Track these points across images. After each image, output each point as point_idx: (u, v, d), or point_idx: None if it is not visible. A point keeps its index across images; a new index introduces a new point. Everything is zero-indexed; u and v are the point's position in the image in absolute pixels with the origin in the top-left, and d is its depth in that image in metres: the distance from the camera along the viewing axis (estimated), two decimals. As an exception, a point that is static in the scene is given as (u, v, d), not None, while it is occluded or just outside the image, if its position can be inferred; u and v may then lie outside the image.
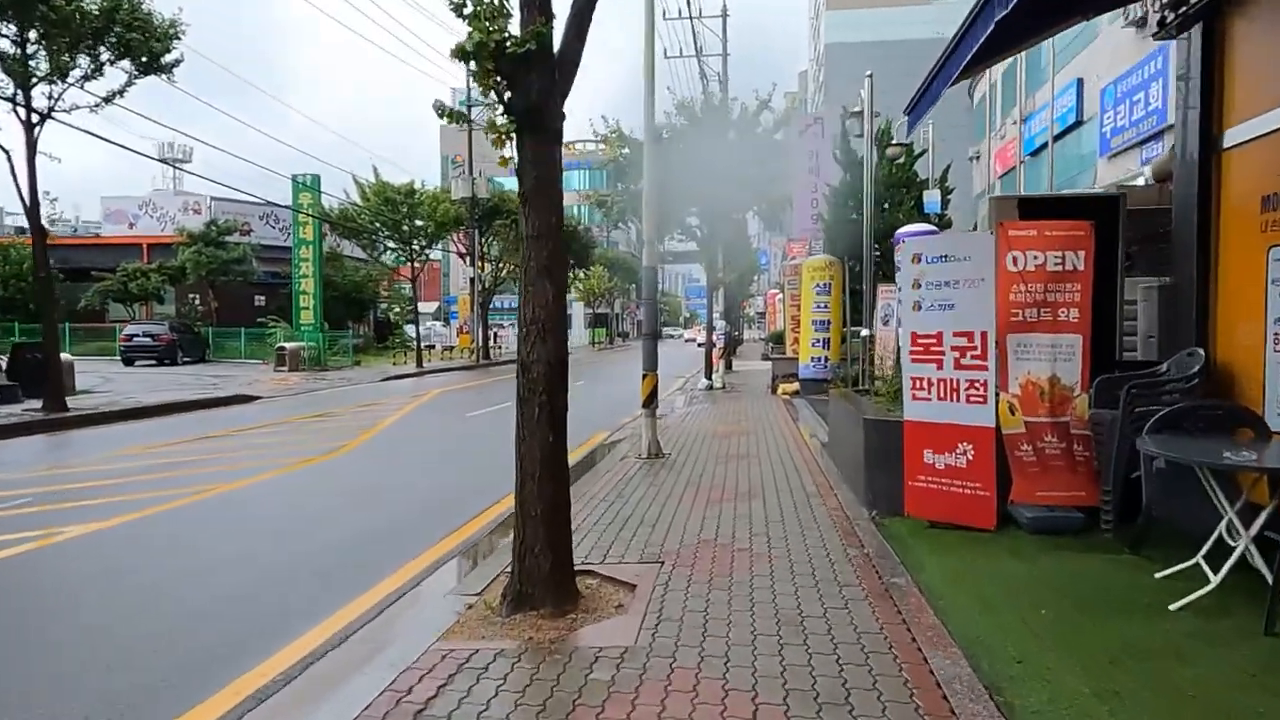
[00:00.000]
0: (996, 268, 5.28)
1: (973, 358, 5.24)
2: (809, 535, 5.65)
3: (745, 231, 29.55)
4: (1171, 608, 3.89)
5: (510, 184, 51.02)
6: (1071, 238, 5.32)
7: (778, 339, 31.07)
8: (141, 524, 6.78)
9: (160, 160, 25.78)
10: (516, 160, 4.37)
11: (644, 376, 9.51)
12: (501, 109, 4.31)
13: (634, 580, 4.82)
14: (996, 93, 33.58)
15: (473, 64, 4.21)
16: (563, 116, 4.43)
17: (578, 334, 71.06)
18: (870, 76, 9.69)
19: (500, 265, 39.67)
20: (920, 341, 5.51)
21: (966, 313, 5.27)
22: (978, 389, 5.23)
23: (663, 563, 5.14)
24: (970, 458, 5.30)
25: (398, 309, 51.30)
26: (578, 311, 71.78)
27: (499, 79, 4.26)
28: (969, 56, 4.67)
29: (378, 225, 29.71)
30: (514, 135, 4.32)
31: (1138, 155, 20.18)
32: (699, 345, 26.95)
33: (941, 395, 5.40)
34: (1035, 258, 5.34)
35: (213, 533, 6.55)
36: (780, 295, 34.31)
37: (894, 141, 16.38)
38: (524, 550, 4.39)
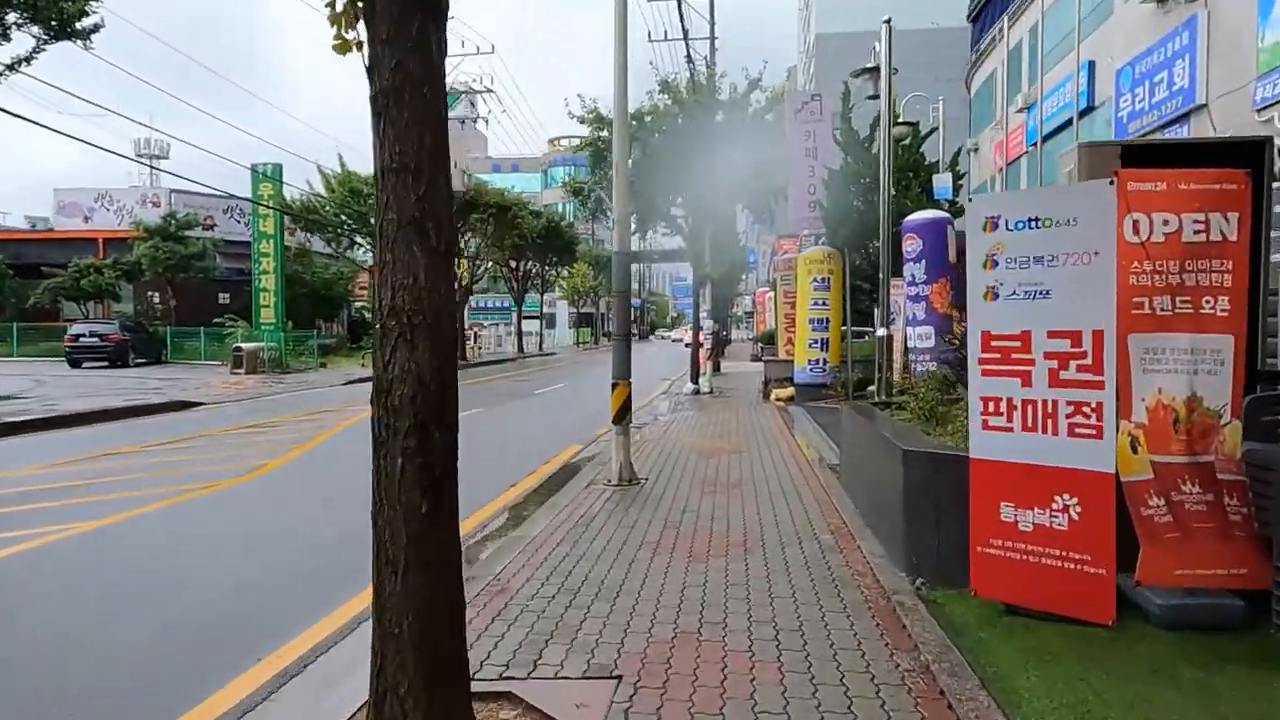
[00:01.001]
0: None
1: (1080, 369, 3.54)
2: (834, 623, 3.94)
3: (734, 225, 27.89)
4: None
5: (496, 180, 49.24)
6: (1218, 194, 3.64)
7: (768, 339, 29.46)
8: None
9: (132, 158, 23.83)
10: (366, 46, 2.63)
11: (614, 386, 7.78)
12: (340, -44, 2.57)
13: (574, 715, 3.10)
14: (997, 80, 32.06)
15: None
16: (449, -23, 2.69)
17: (562, 333, 69.26)
18: (888, 23, 7.98)
19: (478, 263, 37.83)
20: (996, 345, 3.80)
21: (1070, 302, 3.57)
22: (1088, 416, 3.53)
23: (620, 678, 3.41)
24: (1075, 516, 3.60)
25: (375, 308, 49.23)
26: (562, 310, 70.00)
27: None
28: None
29: (343, 218, 27.78)
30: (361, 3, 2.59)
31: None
32: (685, 345, 25.32)
33: (1029, 424, 3.70)
34: (1166, 223, 3.65)
35: None
36: (771, 293, 32.66)
37: (900, 120, 14.73)
38: (383, 690, 2.65)
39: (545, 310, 69.83)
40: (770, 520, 6.11)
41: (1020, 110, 27.67)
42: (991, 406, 3.84)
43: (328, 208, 27.69)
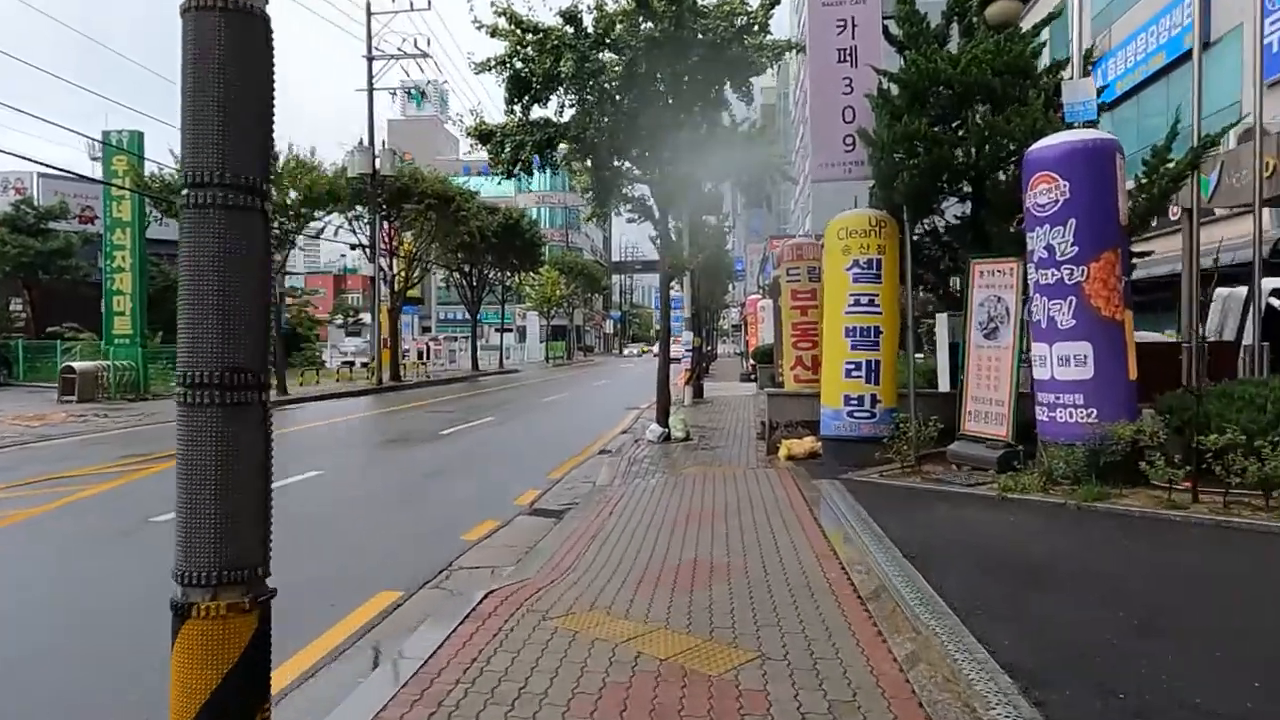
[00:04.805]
0: None
1: None
2: None
3: (719, 204, 21.95)
4: None
5: (493, 186, 42.92)
6: None
7: (764, 356, 23.26)
8: None
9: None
10: None
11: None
12: None
13: None
14: (1046, 34, 26.29)
15: None
16: None
17: (534, 347, 63.02)
18: None
19: (414, 263, 31.72)
20: None
21: None
22: None
23: None
24: None
25: (310, 317, 43.16)
26: (533, 322, 63.81)
27: None
28: None
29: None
30: None
31: (1345, 69, 12.82)
32: (665, 358, 19.21)
33: None
34: None
35: None
36: (764, 301, 26.57)
37: (1000, -6, 8.81)
38: None
39: (517, 323, 63.65)
40: None
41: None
42: None
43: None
